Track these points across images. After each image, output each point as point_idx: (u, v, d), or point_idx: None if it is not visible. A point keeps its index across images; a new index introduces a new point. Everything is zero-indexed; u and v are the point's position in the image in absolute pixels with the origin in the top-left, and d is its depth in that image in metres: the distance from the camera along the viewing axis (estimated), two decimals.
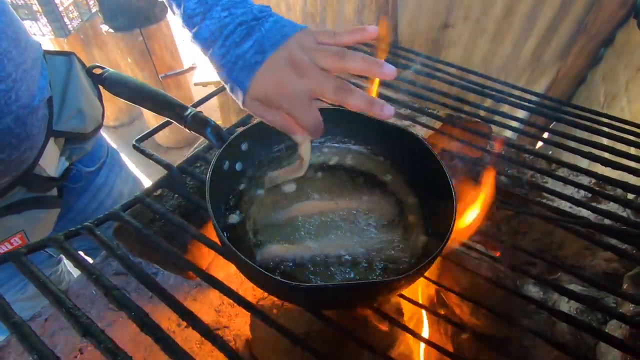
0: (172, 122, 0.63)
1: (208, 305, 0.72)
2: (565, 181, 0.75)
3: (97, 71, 0.62)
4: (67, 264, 1.07)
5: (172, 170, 0.65)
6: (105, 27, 2.11)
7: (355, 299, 0.45)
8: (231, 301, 0.75)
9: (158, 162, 0.66)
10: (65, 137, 0.75)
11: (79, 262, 0.51)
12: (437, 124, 0.83)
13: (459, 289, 0.57)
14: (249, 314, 0.72)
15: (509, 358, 0.50)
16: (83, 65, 0.83)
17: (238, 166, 0.61)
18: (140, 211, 0.68)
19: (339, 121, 0.66)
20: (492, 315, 0.59)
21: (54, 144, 0.72)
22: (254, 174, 0.63)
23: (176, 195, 0.69)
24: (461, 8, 1.82)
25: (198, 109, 0.61)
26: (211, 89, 2.03)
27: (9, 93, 0.57)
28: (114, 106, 2.78)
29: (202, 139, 0.61)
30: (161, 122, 0.68)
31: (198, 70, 1.80)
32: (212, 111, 2.22)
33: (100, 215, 0.59)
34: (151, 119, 2.53)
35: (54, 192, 0.76)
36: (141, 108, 2.43)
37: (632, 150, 0.79)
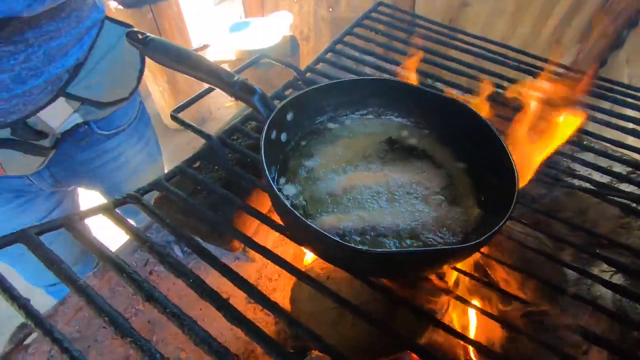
0: (213, 90, 0.61)
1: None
2: (605, 155, 0.75)
3: (137, 36, 0.60)
4: None
5: (213, 141, 0.64)
6: (114, 4, 2.05)
7: (420, 266, 0.44)
8: (269, 275, 0.76)
9: (198, 132, 0.65)
10: (80, 101, 0.75)
11: (129, 230, 0.51)
12: (474, 99, 0.81)
13: (507, 262, 0.57)
14: (289, 287, 0.72)
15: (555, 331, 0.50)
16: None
17: (283, 137, 0.60)
18: (179, 182, 0.67)
19: (380, 92, 0.65)
20: (539, 289, 0.59)
21: (65, 103, 0.73)
22: (297, 145, 0.62)
23: (215, 167, 0.68)
24: None
25: None
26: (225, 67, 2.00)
27: (16, 55, 0.60)
28: None
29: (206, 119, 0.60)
30: (201, 91, 0.67)
31: (211, 49, 1.76)
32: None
33: (146, 186, 0.57)
34: (160, 100, 2.49)
35: (46, 142, 0.74)
36: (149, 89, 2.37)
37: None
